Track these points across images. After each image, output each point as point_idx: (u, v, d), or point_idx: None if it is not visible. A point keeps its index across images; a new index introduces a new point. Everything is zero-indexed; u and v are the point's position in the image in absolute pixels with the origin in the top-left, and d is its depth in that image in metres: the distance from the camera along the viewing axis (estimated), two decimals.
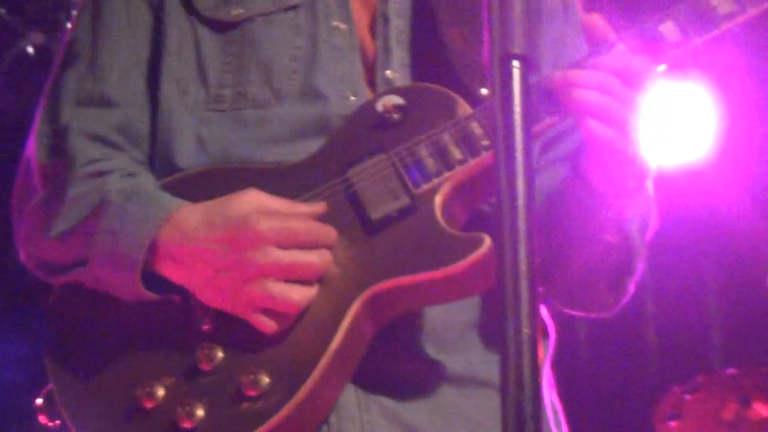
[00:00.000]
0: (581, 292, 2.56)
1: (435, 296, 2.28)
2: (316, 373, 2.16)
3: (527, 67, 1.51)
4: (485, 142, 2.27)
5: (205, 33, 2.48)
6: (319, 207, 2.26)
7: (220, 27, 2.48)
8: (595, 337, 7.18)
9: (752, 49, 6.79)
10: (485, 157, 2.27)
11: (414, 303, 2.31)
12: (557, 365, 2.56)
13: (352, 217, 2.28)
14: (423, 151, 2.29)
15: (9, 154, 7.84)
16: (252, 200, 2.22)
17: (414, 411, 2.32)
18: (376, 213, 2.27)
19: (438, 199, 2.26)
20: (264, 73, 2.44)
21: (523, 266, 1.45)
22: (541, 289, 2.53)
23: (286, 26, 2.47)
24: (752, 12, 2.35)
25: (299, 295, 2.19)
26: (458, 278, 2.21)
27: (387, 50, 2.48)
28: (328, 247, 2.22)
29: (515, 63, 1.50)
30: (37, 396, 2.40)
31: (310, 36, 2.46)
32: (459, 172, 2.27)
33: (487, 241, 2.20)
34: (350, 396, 2.28)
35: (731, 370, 5.99)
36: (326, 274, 2.22)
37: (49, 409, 2.32)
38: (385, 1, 2.51)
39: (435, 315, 2.35)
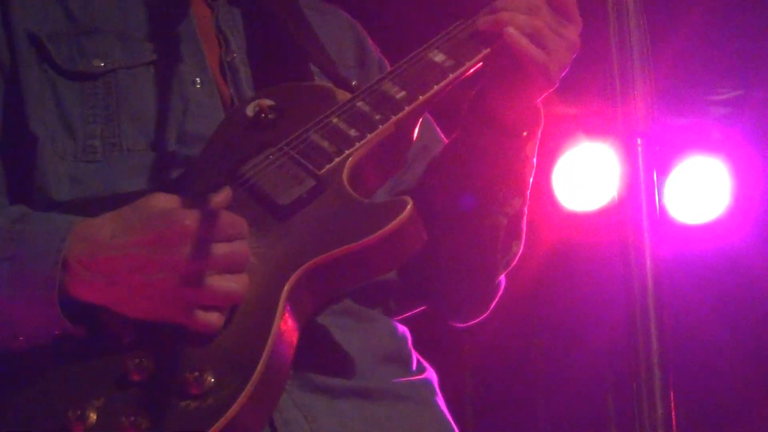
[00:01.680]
0: (466, 291, 2.50)
1: (363, 271, 2.17)
2: (263, 360, 1.98)
3: (649, 145, 1.48)
4: (378, 116, 2.21)
5: (63, 84, 2.31)
6: (225, 193, 2.09)
7: (80, 77, 2.32)
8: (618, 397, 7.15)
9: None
10: (383, 129, 2.20)
11: (343, 282, 2.19)
12: None
13: (259, 209, 2.13)
14: (315, 136, 2.20)
15: None
16: (164, 199, 2.05)
17: (354, 419, 2.22)
18: (284, 199, 2.14)
19: (345, 174, 2.17)
20: (137, 124, 2.30)
21: (654, 347, 1.41)
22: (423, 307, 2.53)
23: (149, 80, 2.35)
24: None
25: (237, 284, 2.02)
26: (384, 246, 2.10)
27: (241, 97, 2.40)
28: (245, 237, 2.07)
29: (639, 141, 1.48)
30: None
31: (174, 91, 2.35)
32: (359, 147, 2.19)
33: (409, 203, 2.10)
34: (294, 411, 2.14)
35: None
36: (251, 265, 2.07)
37: None
38: (228, 50, 2.45)
39: (352, 345, 2.27)
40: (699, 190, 7.29)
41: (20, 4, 2.34)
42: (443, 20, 2.35)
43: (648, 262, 1.45)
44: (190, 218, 2.00)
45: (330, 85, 2.35)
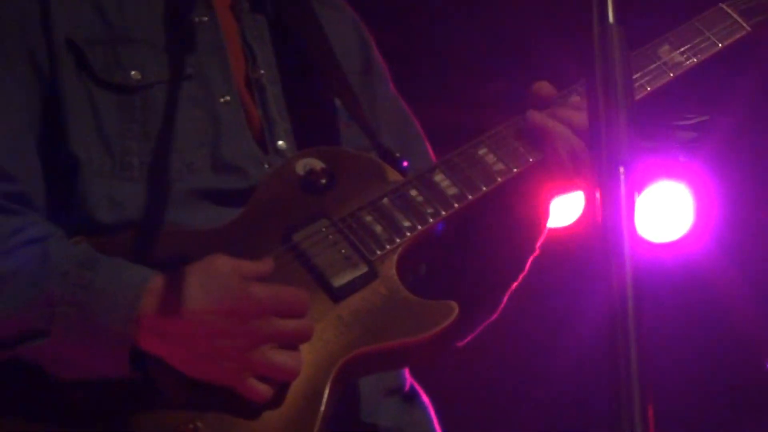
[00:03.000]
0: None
1: (400, 361, 2.25)
2: None
3: (631, 174, 1.48)
4: (430, 210, 2.24)
5: (100, 96, 2.27)
6: (268, 265, 2.10)
7: (117, 90, 2.28)
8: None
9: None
10: (432, 224, 2.23)
11: (379, 368, 2.24)
12: None
13: (314, 284, 2.14)
14: (368, 218, 2.21)
15: None
16: (235, 267, 2.05)
17: None
18: (338, 281, 2.15)
19: (395, 265, 2.19)
20: (172, 144, 2.26)
21: (634, 372, 1.43)
22: None
23: (184, 97, 2.30)
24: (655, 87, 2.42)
25: (294, 361, 2.05)
26: (426, 344, 2.14)
27: (270, 121, 2.38)
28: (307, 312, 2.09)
29: (621, 170, 1.48)
30: None
31: (206, 108, 2.32)
32: (410, 239, 2.21)
33: (455, 309, 2.14)
34: None
35: None
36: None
37: None
38: (255, 67, 2.40)
39: (361, 385, 2.28)
40: (665, 211, 7.40)
41: (59, 8, 2.26)
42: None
43: (629, 280, 1.46)
44: (265, 293, 2.03)
45: (380, 161, 2.34)
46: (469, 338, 2.55)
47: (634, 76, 2.35)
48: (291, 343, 2.05)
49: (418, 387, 2.49)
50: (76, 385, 2.06)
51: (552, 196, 2.38)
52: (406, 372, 2.46)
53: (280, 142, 2.36)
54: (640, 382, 1.41)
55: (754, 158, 7.13)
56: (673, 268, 7.27)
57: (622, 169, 1.47)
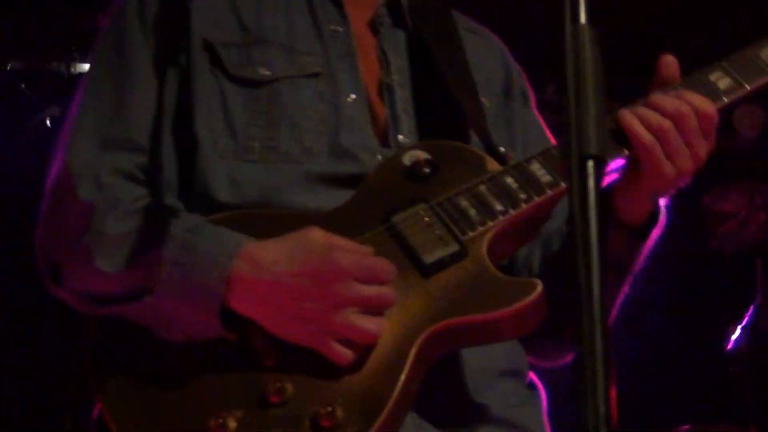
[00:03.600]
0: (550, 334, 2.51)
1: (485, 336, 2.26)
2: (389, 406, 2.10)
3: (602, 166, 1.50)
4: (523, 195, 2.30)
5: (230, 88, 2.45)
6: (371, 252, 2.21)
7: (246, 83, 2.46)
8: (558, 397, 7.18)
9: None
10: (524, 209, 2.30)
11: (465, 342, 2.28)
12: None
13: (406, 261, 2.25)
14: (464, 202, 2.30)
15: (26, 213, 7.87)
16: (325, 238, 2.17)
17: None
18: (429, 258, 2.25)
19: (485, 245, 2.26)
20: (293, 132, 2.41)
21: (599, 349, 1.44)
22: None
23: (309, 91, 2.47)
24: (752, 87, 2.42)
25: (376, 325, 2.13)
26: (510, 320, 2.20)
27: (396, 118, 2.51)
28: (392, 283, 2.18)
29: (590, 162, 1.50)
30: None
31: (331, 102, 2.47)
32: (502, 222, 2.29)
33: (539, 286, 2.22)
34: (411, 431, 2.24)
35: (686, 426, 6.02)
36: (389, 311, 2.18)
37: None
38: (388, 72, 2.55)
39: (473, 362, 2.35)
40: None
41: (200, 14, 2.46)
42: None
43: (596, 269, 1.48)
44: (347, 259, 2.14)
45: (482, 152, 2.41)
46: (565, 357, 2.63)
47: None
48: (373, 307, 2.14)
49: (538, 382, 2.55)
50: (176, 348, 2.20)
51: (651, 192, 2.38)
52: (526, 361, 2.54)
53: (401, 137, 2.50)
54: (604, 369, 1.44)
55: None
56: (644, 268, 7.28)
57: (591, 163, 1.49)
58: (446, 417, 2.29)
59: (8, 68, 7.37)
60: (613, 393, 1.43)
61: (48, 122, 7.35)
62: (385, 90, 2.54)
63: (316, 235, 2.17)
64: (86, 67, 7.27)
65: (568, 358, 2.60)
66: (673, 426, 6.09)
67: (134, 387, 2.19)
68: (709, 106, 2.31)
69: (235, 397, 2.14)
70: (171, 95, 2.45)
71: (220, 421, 2.09)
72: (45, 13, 7.06)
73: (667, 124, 2.28)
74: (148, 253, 2.21)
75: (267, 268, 2.14)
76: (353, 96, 2.49)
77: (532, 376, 2.54)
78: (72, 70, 7.43)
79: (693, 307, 7.39)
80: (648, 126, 2.29)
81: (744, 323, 5.87)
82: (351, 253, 2.15)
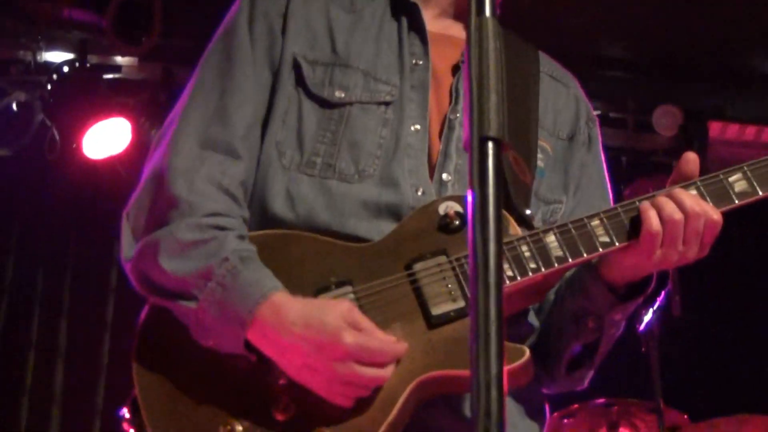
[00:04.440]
0: (548, 371, 2.60)
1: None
2: None
3: (501, 149, 1.52)
4: (533, 265, 2.32)
5: (308, 106, 2.51)
6: (402, 347, 2.28)
7: (322, 103, 2.52)
8: None
9: None
10: (532, 277, 2.32)
11: (454, 389, 2.32)
12: None
13: (417, 309, 2.31)
14: None
15: None
16: (345, 314, 2.23)
17: None
18: (436, 310, 2.30)
19: None
20: (353, 152, 2.46)
21: (492, 315, 1.46)
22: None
23: (376, 117, 2.51)
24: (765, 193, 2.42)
25: (367, 392, 2.23)
26: None
27: (447, 155, 2.51)
28: (394, 361, 2.25)
29: (490, 144, 1.51)
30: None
31: (393, 130, 2.50)
32: (509, 286, 2.30)
33: (527, 353, 2.27)
34: None
35: (601, 400, 6.04)
36: None
37: (134, 420, 2.29)
38: (454, 110, 2.55)
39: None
40: None
41: (297, 33, 2.54)
42: None
43: (492, 242, 1.50)
44: (352, 341, 2.20)
45: (508, 216, 2.40)
46: (561, 387, 2.68)
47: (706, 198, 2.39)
48: (366, 386, 2.23)
49: (547, 412, 2.63)
50: (206, 353, 2.31)
51: (632, 265, 2.38)
52: (539, 391, 2.59)
53: (445, 175, 2.50)
54: (497, 330, 1.46)
55: None
56: None
57: (490, 144, 1.51)
58: None
59: None
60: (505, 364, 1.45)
61: (14, 107, 7.30)
62: (446, 126, 2.55)
63: (339, 310, 2.24)
64: (50, 55, 7.29)
65: (555, 389, 2.67)
66: (590, 398, 6.12)
67: (165, 381, 2.31)
68: (718, 217, 2.34)
69: (246, 407, 2.26)
70: (265, 104, 2.54)
71: (229, 427, 2.22)
72: (11, 2, 7.00)
73: (678, 216, 2.31)
74: (204, 266, 2.31)
75: (284, 326, 2.23)
76: (417, 126, 2.52)
77: (545, 404, 2.62)
78: (38, 58, 7.38)
79: None
80: (661, 212, 2.32)
81: (655, 307, 5.91)
82: (357, 335, 2.22)
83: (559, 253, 2.33)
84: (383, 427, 2.21)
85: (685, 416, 6.06)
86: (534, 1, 6.01)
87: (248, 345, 2.27)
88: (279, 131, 2.50)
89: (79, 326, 7.64)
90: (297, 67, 2.55)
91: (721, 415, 6.09)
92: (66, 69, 7.29)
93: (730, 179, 2.39)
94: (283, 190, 2.45)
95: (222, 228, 2.36)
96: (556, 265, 2.33)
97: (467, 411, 2.37)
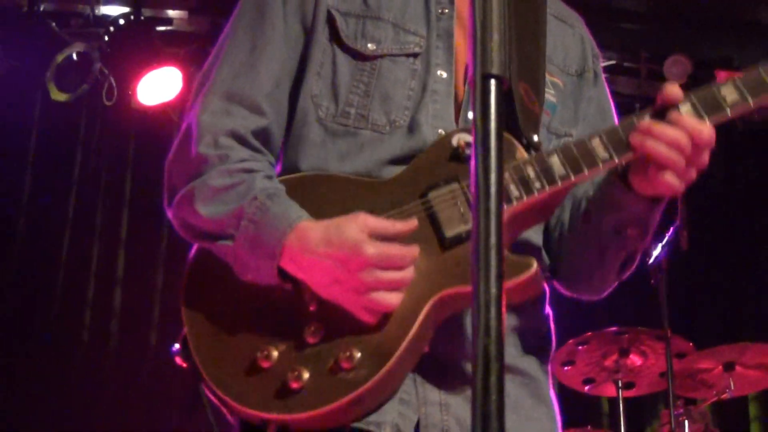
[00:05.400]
0: (596, 281, 2.57)
1: None
2: (396, 356, 2.21)
3: (503, 85, 1.49)
4: (537, 185, 2.29)
5: (342, 58, 2.48)
6: (412, 223, 2.27)
7: (355, 55, 2.48)
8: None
9: None
10: (536, 196, 2.29)
11: (469, 305, 2.30)
12: None
13: (431, 232, 2.30)
14: None
15: (55, 141, 7.89)
16: (362, 226, 2.22)
17: (459, 403, 2.35)
18: (449, 232, 2.29)
19: None
20: (384, 104, 2.44)
21: (493, 239, 1.44)
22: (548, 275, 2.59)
23: (406, 69, 2.48)
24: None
25: (393, 300, 2.22)
26: (510, 291, 2.21)
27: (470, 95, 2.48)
28: (413, 264, 2.24)
29: (492, 81, 1.49)
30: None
31: (422, 80, 2.47)
32: (516, 206, 2.29)
33: (535, 265, 2.25)
34: (430, 372, 2.32)
35: (613, 328, 6.04)
36: None
37: (184, 353, 2.34)
38: None
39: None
40: None
41: None
42: None
43: (494, 175, 1.48)
44: (372, 251, 2.20)
45: (515, 142, 2.37)
46: (611, 288, 2.62)
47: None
48: (391, 288, 2.22)
49: (554, 336, 2.56)
50: (246, 287, 2.33)
51: (654, 192, 2.33)
52: (546, 317, 2.54)
53: (471, 114, 2.41)
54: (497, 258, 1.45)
55: None
56: None
57: (493, 81, 1.48)
58: (462, 362, 2.35)
59: (41, 9, 7.33)
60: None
61: (74, 56, 7.31)
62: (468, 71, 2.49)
63: (359, 222, 2.23)
64: (107, 9, 7.30)
65: (605, 293, 2.62)
66: (603, 327, 6.12)
67: (210, 316, 2.34)
68: (702, 127, 2.26)
69: (281, 334, 2.27)
70: (296, 59, 2.51)
71: (266, 353, 2.24)
72: None
73: (672, 132, 2.23)
74: (234, 207, 2.32)
75: (309, 248, 2.23)
76: (443, 74, 2.49)
77: (551, 328, 2.55)
78: (95, 11, 7.39)
79: None
80: (653, 128, 2.25)
81: (664, 242, 5.88)
82: (376, 245, 2.20)
83: (562, 171, 2.30)
84: (405, 342, 2.21)
85: (691, 344, 6.04)
86: None
87: (282, 274, 2.28)
88: (315, 85, 2.47)
89: (134, 256, 7.70)
90: (331, 20, 2.50)
91: (724, 343, 6.10)
92: (122, 22, 7.30)
93: (722, 91, 2.31)
94: (319, 141, 2.44)
95: (250, 171, 2.38)
96: (559, 183, 2.30)
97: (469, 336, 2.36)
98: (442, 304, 2.26)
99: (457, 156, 2.36)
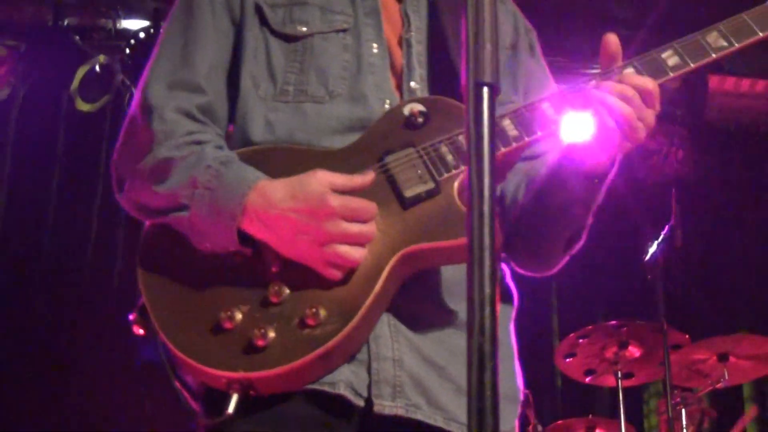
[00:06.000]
0: (543, 255, 2.55)
1: (449, 258, 2.27)
2: (362, 310, 2.17)
3: (494, 93, 1.49)
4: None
5: (274, 43, 2.47)
6: (370, 176, 2.26)
7: (286, 38, 2.47)
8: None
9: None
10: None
11: (433, 262, 2.30)
12: None
13: (390, 194, 2.27)
14: (444, 149, 2.30)
15: (80, 148, 7.87)
16: (323, 180, 2.20)
17: (428, 345, 2.31)
18: (409, 192, 2.26)
19: (456, 185, 2.27)
20: (321, 77, 2.43)
21: (486, 241, 1.44)
22: (503, 255, 2.56)
23: (337, 44, 2.47)
24: (737, 47, 2.39)
25: (357, 254, 2.19)
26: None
27: (410, 68, 2.49)
28: (373, 219, 2.22)
29: (485, 89, 1.49)
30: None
31: (355, 53, 2.46)
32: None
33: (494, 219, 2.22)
34: (384, 328, 2.27)
35: (613, 322, 6.01)
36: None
37: (142, 321, 2.26)
38: (408, 30, 2.54)
39: (446, 272, 2.34)
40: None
41: None
42: None
43: (487, 188, 1.46)
44: (337, 202, 2.18)
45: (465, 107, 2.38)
46: (560, 264, 2.58)
47: (686, 58, 2.36)
48: (355, 241, 2.19)
49: (514, 291, 2.53)
50: (204, 255, 2.27)
51: (603, 155, 2.33)
52: (503, 272, 2.52)
53: (413, 83, 2.48)
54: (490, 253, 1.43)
55: None
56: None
57: (485, 90, 1.48)
58: (418, 319, 2.31)
59: (65, 24, 7.34)
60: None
61: (97, 68, 7.33)
62: (403, 44, 2.52)
63: (318, 177, 2.21)
64: (128, 23, 7.29)
65: (554, 269, 2.58)
66: (603, 321, 6.11)
67: (168, 283, 2.27)
68: (646, 81, 2.28)
69: (243, 295, 2.21)
70: (228, 49, 2.50)
71: (229, 313, 2.18)
72: None
73: (626, 111, 2.25)
74: (188, 178, 2.27)
75: (274, 204, 2.19)
76: (375, 46, 2.49)
77: (510, 285, 2.53)
78: (117, 25, 7.40)
79: (621, 226, 7.39)
80: (614, 112, 2.26)
81: (660, 239, 5.86)
82: (340, 197, 2.19)
83: (515, 132, 2.29)
84: (371, 298, 2.17)
85: (686, 336, 6.02)
86: None
87: (241, 238, 2.23)
88: (252, 68, 2.46)
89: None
90: (259, 10, 2.51)
91: (718, 335, 6.08)
92: (142, 35, 7.31)
93: (663, 55, 2.36)
94: (262, 118, 2.41)
95: (199, 142, 2.35)
96: (513, 144, 2.29)
97: (447, 300, 2.34)
98: (404, 261, 2.22)
99: (411, 124, 2.35)
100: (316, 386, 2.20)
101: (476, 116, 1.47)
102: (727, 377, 6.09)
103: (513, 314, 2.53)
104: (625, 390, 6.12)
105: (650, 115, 2.27)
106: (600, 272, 7.66)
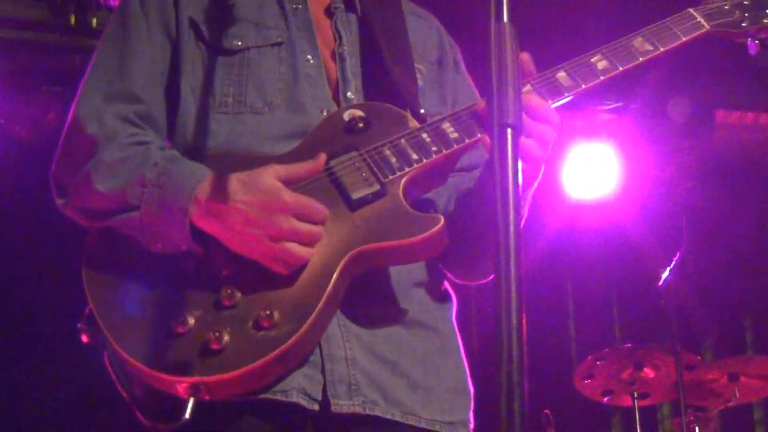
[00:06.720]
0: (472, 265, 2.49)
1: (398, 258, 2.24)
2: (316, 311, 2.08)
3: (518, 133, 1.48)
4: (434, 148, 2.25)
5: (211, 57, 2.39)
6: (320, 160, 2.20)
7: (223, 52, 2.39)
8: (534, 324, 7.18)
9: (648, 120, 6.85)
10: (435, 158, 2.24)
11: (382, 262, 2.25)
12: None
13: (337, 197, 2.20)
14: (387, 152, 2.25)
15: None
16: (275, 174, 2.13)
17: (379, 342, 2.26)
18: (355, 195, 2.20)
19: (402, 186, 2.22)
20: (259, 89, 2.35)
21: (512, 274, 1.42)
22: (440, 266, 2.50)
23: (273, 57, 2.40)
24: (626, 67, 2.37)
25: (305, 252, 2.11)
26: (417, 246, 2.18)
27: (345, 80, 2.43)
28: (324, 222, 2.15)
29: (509, 130, 1.48)
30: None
31: (291, 65, 2.40)
32: (416, 168, 2.24)
33: (442, 220, 2.18)
34: (335, 329, 2.20)
35: (628, 345, 6.00)
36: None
37: (90, 330, 2.14)
38: (340, 44, 2.48)
39: (394, 271, 2.30)
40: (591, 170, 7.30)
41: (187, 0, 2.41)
42: None
43: (513, 226, 1.45)
44: (291, 198, 2.10)
45: (406, 113, 2.35)
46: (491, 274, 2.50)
47: (613, 61, 2.36)
48: (304, 240, 2.11)
49: (451, 292, 2.49)
50: (154, 258, 2.15)
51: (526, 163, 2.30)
52: (442, 274, 2.47)
53: (349, 93, 2.43)
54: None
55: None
56: (600, 222, 7.24)
57: (509, 131, 1.47)
58: (367, 318, 2.25)
59: None
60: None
61: None
62: (337, 58, 2.46)
63: (272, 171, 2.13)
64: None
65: (486, 278, 2.50)
66: (619, 344, 6.06)
67: (116, 289, 2.16)
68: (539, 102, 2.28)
69: (195, 300, 2.10)
70: (165, 61, 2.39)
71: (182, 318, 2.06)
72: None
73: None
74: (135, 177, 2.17)
75: (226, 195, 2.10)
76: (310, 57, 2.42)
77: (447, 286, 2.48)
78: None
79: (635, 253, 7.35)
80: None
81: (672, 265, 5.82)
82: (293, 194, 2.12)
83: (455, 135, 2.26)
84: (324, 298, 2.09)
85: (699, 357, 5.98)
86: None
87: (194, 236, 2.12)
88: (191, 79, 2.37)
89: None
90: (194, 25, 2.42)
91: (729, 357, 6.03)
92: None
93: (592, 60, 2.36)
94: (203, 128, 2.32)
95: (142, 143, 2.25)
96: (455, 145, 2.26)
97: (394, 298, 2.31)
98: (354, 262, 2.15)
99: (352, 129, 2.30)
100: (268, 395, 2.11)
101: (500, 154, 1.46)
102: (738, 396, 6.04)
103: (454, 310, 2.47)
104: (641, 409, 6.08)
105: (546, 131, 2.24)
106: (615, 298, 7.61)
